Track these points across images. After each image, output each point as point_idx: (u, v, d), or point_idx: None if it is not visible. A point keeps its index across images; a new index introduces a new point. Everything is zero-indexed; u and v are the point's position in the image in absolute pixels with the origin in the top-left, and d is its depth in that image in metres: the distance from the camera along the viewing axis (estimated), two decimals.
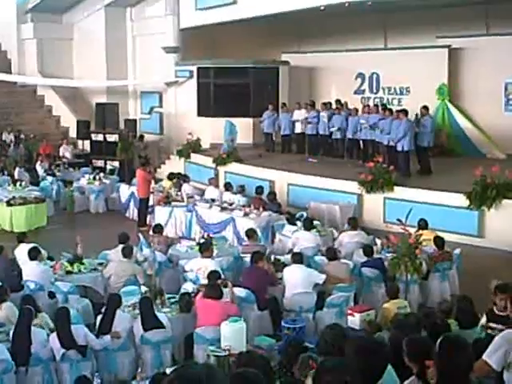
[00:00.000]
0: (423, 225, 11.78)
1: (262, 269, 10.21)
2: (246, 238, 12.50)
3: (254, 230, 12.50)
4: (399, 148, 16.41)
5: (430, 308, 8.14)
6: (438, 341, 4.12)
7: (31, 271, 10.38)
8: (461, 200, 14.21)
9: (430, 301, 10.67)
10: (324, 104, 20.07)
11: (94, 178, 19.16)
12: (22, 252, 11.17)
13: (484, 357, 5.05)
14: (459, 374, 3.96)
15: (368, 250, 11.01)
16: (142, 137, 22.76)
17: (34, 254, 10.57)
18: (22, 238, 11.88)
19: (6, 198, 16.39)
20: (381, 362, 3.95)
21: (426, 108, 16.94)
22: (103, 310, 9.12)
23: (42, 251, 11.06)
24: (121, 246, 11.09)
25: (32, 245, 11.09)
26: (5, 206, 16.16)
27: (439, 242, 11.13)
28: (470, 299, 7.19)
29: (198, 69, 23.47)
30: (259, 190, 15.84)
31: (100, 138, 22.58)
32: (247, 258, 11.20)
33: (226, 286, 9.06)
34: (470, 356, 4.09)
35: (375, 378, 3.87)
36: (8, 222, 16.07)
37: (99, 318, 8.78)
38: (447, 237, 12.01)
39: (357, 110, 19.29)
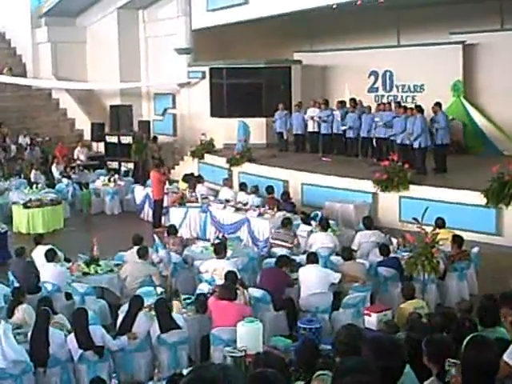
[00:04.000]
0: (440, 223, 11.68)
1: (282, 271, 10.22)
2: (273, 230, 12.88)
3: (289, 220, 12.76)
4: (416, 145, 16.32)
5: (449, 308, 8.06)
6: (465, 341, 4.08)
7: (48, 273, 10.45)
8: (478, 198, 14.08)
9: (447, 301, 10.58)
10: (339, 102, 20.01)
11: (109, 180, 19.21)
12: (39, 254, 11.24)
13: (504, 357, 4.97)
14: (485, 375, 3.92)
15: (384, 249, 10.95)
16: (155, 138, 22.81)
17: (50, 256, 10.65)
18: (38, 239, 11.96)
19: (22, 201, 16.50)
20: (399, 362, 3.91)
21: (438, 104, 16.81)
22: (120, 310, 9.17)
23: (59, 253, 11.13)
24: (136, 248, 11.12)
25: (49, 246, 11.15)
26: (22, 208, 16.28)
27: (458, 240, 11.01)
28: (495, 298, 7.12)
29: (211, 69, 23.47)
30: (269, 189, 15.81)
31: (114, 139, 22.64)
32: (276, 248, 11.59)
33: (238, 289, 9.04)
34: (496, 357, 4.04)
35: (394, 378, 3.83)
36: (25, 224, 16.17)
37: (120, 318, 8.81)
38: (464, 235, 11.89)
39: (370, 108, 19.23)
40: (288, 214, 14.27)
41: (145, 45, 26.79)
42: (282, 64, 23.40)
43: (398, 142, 17.07)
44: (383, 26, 21.62)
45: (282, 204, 15.15)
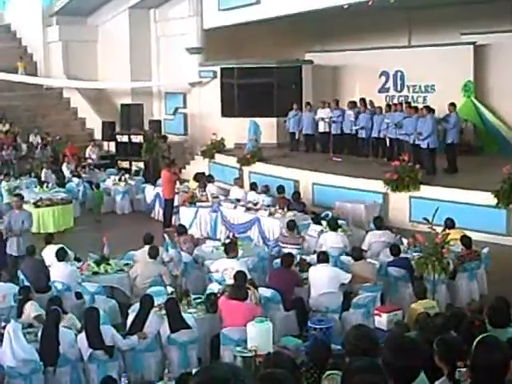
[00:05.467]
0: (450, 224, 11.67)
1: (291, 270, 10.21)
2: (284, 230, 12.77)
3: (294, 222, 12.66)
4: (424, 145, 16.30)
5: (458, 308, 8.05)
6: (475, 342, 4.06)
7: (59, 272, 10.48)
8: (488, 198, 14.06)
9: (457, 301, 10.56)
10: (350, 102, 19.99)
11: (120, 179, 19.25)
12: (49, 253, 11.27)
13: None
14: (495, 376, 3.90)
15: (395, 249, 10.93)
16: (164, 137, 22.80)
17: (61, 255, 10.65)
18: (49, 239, 11.98)
19: (33, 200, 16.53)
20: (418, 361, 3.90)
21: (452, 105, 16.78)
22: (130, 310, 9.19)
23: (69, 252, 11.15)
24: (147, 247, 11.13)
25: (59, 246, 11.18)
26: (32, 207, 16.29)
27: (466, 241, 11.02)
28: (506, 299, 7.11)
29: (222, 69, 23.49)
30: (280, 189, 15.82)
31: (125, 139, 22.70)
32: (286, 249, 11.50)
33: (248, 288, 9.04)
34: (506, 358, 4.03)
35: (411, 378, 3.82)
36: (35, 223, 16.13)
37: (130, 318, 8.82)
38: (475, 236, 11.89)
39: (381, 109, 19.22)
40: (298, 214, 14.28)
41: (156, 44, 26.83)
42: (293, 64, 23.40)
43: (411, 142, 17.02)
44: (394, 27, 21.58)
45: (293, 204, 15.15)
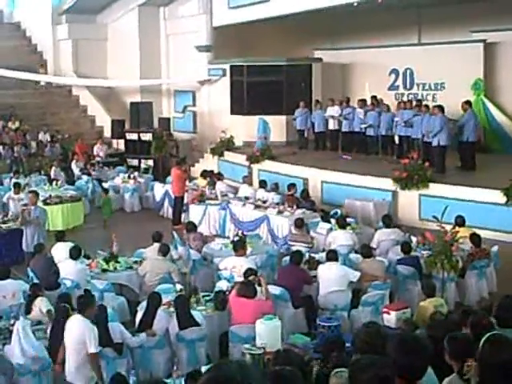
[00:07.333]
0: (460, 222, 11.63)
1: (300, 268, 10.21)
2: (293, 228, 12.79)
3: (302, 220, 12.68)
4: (435, 143, 16.25)
5: (468, 306, 8.02)
6: (483, 339, 4.04)
7: (68, 269, 10.49)
8: (498, 196, 14.01)
9: (466, 299, 10.54)
10: (360, 101, 19.96)
11: (129, 177, 19.28)
12: (58, 250, 11.29)
13: None
14: (502, 374, 3.88)
15: (406, 247, 10.92)
16: (170, 135, 22.80)
17: (75, 254, 10.66)
18: (59, 236, 12.02)
19: (42, 197, 16.52)
20: (423, 360, 3.87)
21: (467, 103, 16.72)
22: (139, 307, 9.20)
23: None
24: (156, 245, 11.15)
25: (70, 243, 11.21)
26: (41, 205, 16.31)
27: (475, 239, 10.99)
28: None
29: (231, 67, 23.50)
30: (291, 187, 15.81)
31: (134, 136, 22.72)
32: (295, 247, 11.50)
33: (259, 285, 9.04)
34: None
35: (416, 377, 3.80)
36: None
37: (138, 316, 8.83)
38: (484, 234, 11.84)
39: (388, 107, 19.18)
40: (307, 212, 14.27)
41: (165, 42, 26.88)
42: (303, 62, 23.36)
43: (425, 140, 16.96)
44: (404, 24, 21.53)
45: (302, 202, 15.13)
